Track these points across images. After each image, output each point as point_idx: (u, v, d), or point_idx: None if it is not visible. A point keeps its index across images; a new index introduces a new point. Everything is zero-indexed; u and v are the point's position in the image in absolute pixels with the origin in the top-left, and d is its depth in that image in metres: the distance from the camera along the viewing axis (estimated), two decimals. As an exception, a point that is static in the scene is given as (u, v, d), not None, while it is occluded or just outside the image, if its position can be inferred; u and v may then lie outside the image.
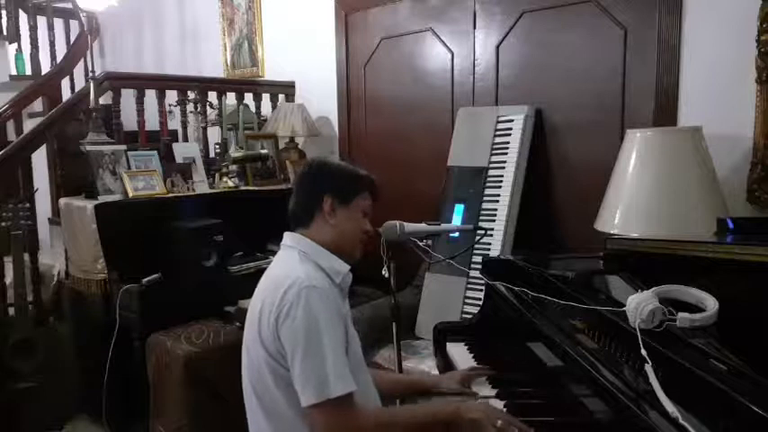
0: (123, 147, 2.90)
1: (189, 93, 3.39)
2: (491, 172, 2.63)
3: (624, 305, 1.23)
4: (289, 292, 1.34)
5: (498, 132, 2.66)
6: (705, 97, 2.18)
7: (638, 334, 1.15)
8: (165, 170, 2.94)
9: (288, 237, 1.52)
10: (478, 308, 2.06)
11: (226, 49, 4.26)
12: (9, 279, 2.82)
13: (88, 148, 2.78)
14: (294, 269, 1.41)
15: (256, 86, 3.78)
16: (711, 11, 2.15)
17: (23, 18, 4.73)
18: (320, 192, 1.48)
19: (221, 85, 3.70)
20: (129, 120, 3.28)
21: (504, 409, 1.40)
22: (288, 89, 3.80)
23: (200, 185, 3.05)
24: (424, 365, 2.33)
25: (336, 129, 3.60)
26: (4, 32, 4.71)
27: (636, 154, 1.93)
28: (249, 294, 2.58)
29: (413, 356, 2.43)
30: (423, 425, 1.41)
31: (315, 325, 1.32)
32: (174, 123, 3.53)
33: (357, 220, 1.50)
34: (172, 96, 3.39)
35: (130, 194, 2.74)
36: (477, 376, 1.62)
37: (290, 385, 1.36)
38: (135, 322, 2.57)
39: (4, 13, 4.69)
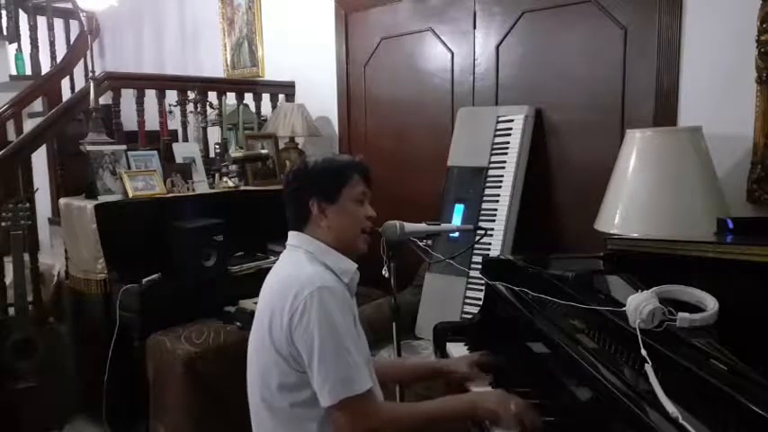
0: (123, 147, 2.90)
1: (189, 93, 3.39)
2: (491, 172, 2.63)
3: (624, 305, 1.23)
4: (300, 294, 1.34)
5: (498, 132, 2.66)
6: (705, 97, 2.18)
7: (638, 334, 1.15)
8: (165, 170, 2.94)
9: (293, 236, 1.51)
10: (478, 308, 2.05)
11: (226, 49, 4.26)
12: (9, 279, 2.82)
13: (88, 148, 2.78)
14: (303, 270, 1.40)
15: (256, 86, 3.78)
16: (711, 11, 2.15)
17: (23, 18, 4.74)
18: (305, 197, 1.47)
19: (221, 85, 3.70)
20: (129, 120, 3.28)
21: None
22: (288, 89, 3.79)
23: (200, 185, 3.05)
24: (424, 365, 2.32)
25: (336, 129, 3.60)
26: (4, 32, 4.71)
27: (636, 154, 1.93)
28: (249, 294, 2.65)
29: (413, 356, 2.43)
30: (442, 419, 1.43)
31: (331, 325, 1.32)
32: (174, 123, 3.53)
33: (352, 213, 1.48)
34: (172, 96, 3.39)
35: (130, 194, 2.74)
36: (485, 361, 1.63)
37: (294, 390, 1.37)
38: (135, 322, 2.57)
39: (4, 13, 4.69)
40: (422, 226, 1.78)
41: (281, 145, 3.50)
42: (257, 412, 1.46)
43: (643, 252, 1.68)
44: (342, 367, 1.31)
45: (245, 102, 3.63)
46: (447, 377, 1.67)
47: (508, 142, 2.61)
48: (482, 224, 2.47)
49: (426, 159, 3.09)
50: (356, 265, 1.50)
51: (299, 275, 1.39)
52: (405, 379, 1.73)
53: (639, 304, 1.19)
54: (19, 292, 2.71)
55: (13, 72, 4.78)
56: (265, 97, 3.76)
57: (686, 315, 1.18)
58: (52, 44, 4.74)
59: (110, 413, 2.69)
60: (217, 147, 3.56)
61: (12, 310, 2.78)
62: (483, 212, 2.59)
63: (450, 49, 3.00)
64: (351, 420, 1.33)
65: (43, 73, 4.66)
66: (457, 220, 2.65)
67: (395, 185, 3.05)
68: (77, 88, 4.33)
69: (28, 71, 4.73)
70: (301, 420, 1.38)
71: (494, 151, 2.65)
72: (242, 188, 3.17)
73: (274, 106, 3.74)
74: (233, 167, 3.15)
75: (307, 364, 1.33)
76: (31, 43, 4.67)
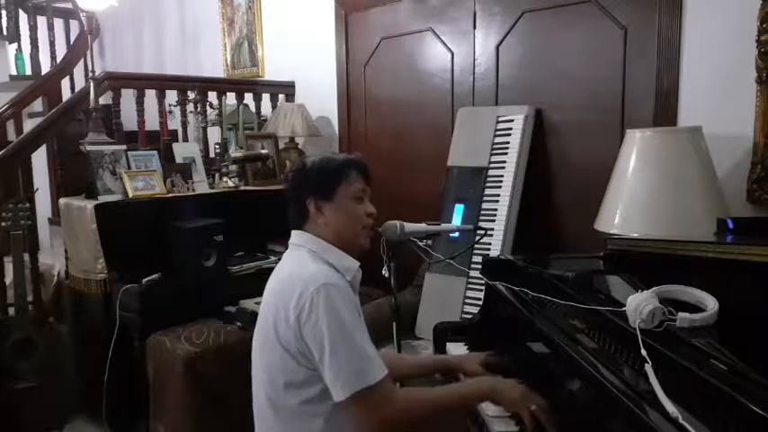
0: (123, 147, 2.90)
1: (189, 93, 3.39)
2: (491, 172, 2.63)
3: (624, 305, 1.23)
4: (306, 291, 1.34)
5: (498, 132, 2.66)
6: (705, 97, 2.17)
7: (638, 334, 1.15)
8: (165, 170, 2.94)
9: (295, 235, 1.52)
10: (478, 308, 2.06)
11: (226, 49, 4.26)
12: (9, 279, 2.82)
13: (88, 148, 2.78)
14: (306, 268, 1.41)
15: (256, 86, 3.78)
16: (711, 11, 2.15)
17: (23, 18, 4.74)
18: (303, 197, 1.48)
19: (221, 85, 3.71)
20: (129, 120, 3.28)
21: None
22: (288, 89, 3.80)
23: (201, 185, 3.05)
24: (424, 365, 2.32)
25: (336, 129, 3.60)
26: (4, 32, 4.71)
27: (636, 154, 1.93)
28: (249, 294, 2.65)
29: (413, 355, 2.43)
30: (460, 403, 1.44)
31: (339, 320, 1.33)
32: (174, 123, 3.53)
33: (350, 210, 1.48)
34: (172, 96, 3.39)
35: (130, 194, 2.74)
36: (492, 362, 1.63)
37: (302, 387, 1.37)
38: (135, 322, 2.57)
39: (4, 13, 4.70)
40: (422, 226, 1.78)
41: (281, 145, 3.50)
42: (261, 411, 1.46)
43: (643, 252, 1.68)
44: (354, 360, 1.32)
45: (245, 102, 3.63)
46: (454, 374, 1.67)
47: (508, 142, 2.61)
48: (482, 224, 2.47)
49: (426, 159, 3.09)
50: (358, 263, 1.51)
51: (302, 273, 1.39)
52: (408, 374, 1.73)
53: (639, 304, 1.19)
54: (19, 292, 2.71)
55: (13, 72, 4.78)
56: (265, 97, 3.76)
57: (686, 315, 1.18)
58: (52, 44, 4.74)
59: (110, 413, 2.69)
60: (217, 147, 3.56)
61: (12, 310, 2.78)
62: (483, 212, 2.59)
63: (450, 49, 3.00)
64: (366, 412, 1.33)
65: (43, 73, 4.66)
66: (457, 220, 2.65)
67: (395, 185, 3.05)
68: (77, 88, 4.33)
69: (28, 71, 4.73)
70: (309, 417, 1.38)
71: (494, 151, 2.65)
72: (242, 188, 3.17)
73: (274, 106, 3.74)
74: (233, 167, 3.15)
75: (318, 359, 1.34)
76: (31, 43, 4.67)
